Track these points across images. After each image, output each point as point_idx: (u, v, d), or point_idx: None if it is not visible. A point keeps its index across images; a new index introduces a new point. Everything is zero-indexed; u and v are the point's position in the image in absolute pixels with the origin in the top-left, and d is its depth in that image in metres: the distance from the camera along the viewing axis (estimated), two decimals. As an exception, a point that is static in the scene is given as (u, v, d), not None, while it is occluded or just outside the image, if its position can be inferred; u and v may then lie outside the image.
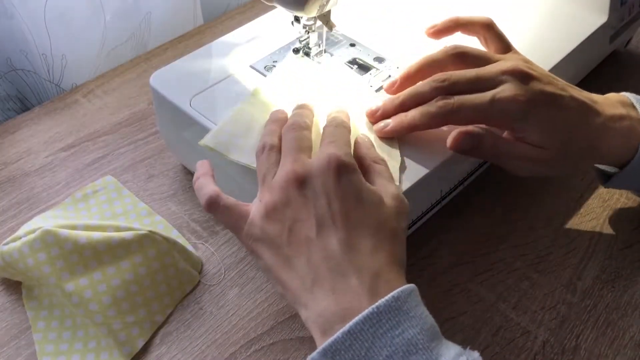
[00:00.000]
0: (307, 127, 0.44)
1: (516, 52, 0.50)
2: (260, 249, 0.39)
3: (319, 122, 0.46)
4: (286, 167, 0.39)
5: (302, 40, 0.53)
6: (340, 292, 0.35)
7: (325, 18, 0.49)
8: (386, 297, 0.34)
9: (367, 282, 0.35)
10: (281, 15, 0.59)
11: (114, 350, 0.45)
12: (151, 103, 0.66)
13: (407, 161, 0.46)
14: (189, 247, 0.51)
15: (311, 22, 0.51)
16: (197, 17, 0.82)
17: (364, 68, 0.54)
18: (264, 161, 0.42)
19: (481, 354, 0.34)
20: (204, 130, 0.48)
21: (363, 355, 0.33)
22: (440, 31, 0.52)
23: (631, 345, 0.46)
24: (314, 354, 0.34)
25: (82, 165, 0.60)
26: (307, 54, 0.53)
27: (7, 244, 0.48)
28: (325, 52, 0.54)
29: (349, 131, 0.44)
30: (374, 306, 0.34)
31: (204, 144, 0.46)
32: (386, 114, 0.47)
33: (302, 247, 0.37)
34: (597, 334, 0.47)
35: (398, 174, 0.45)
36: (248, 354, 0.46)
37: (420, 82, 0.47)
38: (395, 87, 0.49)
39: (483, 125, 0.46)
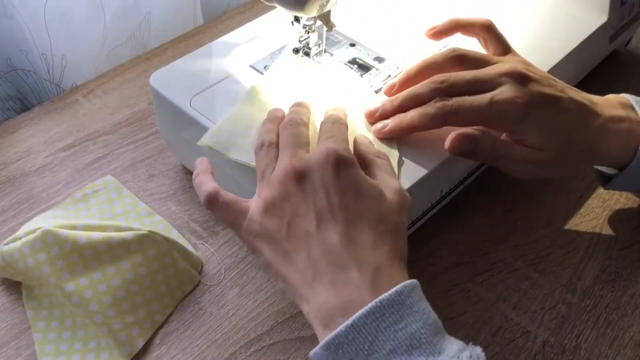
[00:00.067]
0: (304, 124, 0.44)
1: (515, 54, 0.50)
2: (259, 244, 0.39)
3: (317, 122, 0.46)
4: (284, 162, 0.40)
5: (302, 40, 0.53)
6: (340, 285, 0.35)
7: (325, 18, 0.49)
8: (390, 291, 0.34)
9: (368, 275, 0.35)
10: (281, 15, 0.59)
11: (114, 350, 0.45)
12: (151, 103, 0.66)
13: (407, 161, 0.46)
14: (189, 247, 0.51)
15: (311, 22, 0.51)
16: (197, 17, 0.82)
17: (364, 68, 0.54)
18: (263, 157, 0.42)
19: (482, 353, 0.35)
20: (204, 130, 0.48)
21: (366, 348, 0.33)
22: (440, 32, 0.52)
23: (631, 345, 0.46)
24: (317, 348, 0.34)
25: (82, 165, 0.60)
26: (307, 54, 0.53)
27: (7, 244, 0.48)
28: (325, 52, 0.54)
29: (347, 128, 0.44)
30: (377, 300, 0.34)
31: (202, 144, 0.46)
32: (385, 115, 0.47)
33: (302, 241, 0.37)
34: (597, 334, 0.47)
35: (397, 174, 0.45)
36: (248, 354, 0.46)
37: (419, 83, 0.47)
38: (395, 90, 0.49)
39: (482, 128, 0.46)
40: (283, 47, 0.54)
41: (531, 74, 0.45)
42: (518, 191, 0.57)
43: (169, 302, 0.48)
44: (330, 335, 0.34)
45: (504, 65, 0.46)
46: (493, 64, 0.47)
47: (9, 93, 0.71)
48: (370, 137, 0.47)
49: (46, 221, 0.50)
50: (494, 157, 0.46)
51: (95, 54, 0.72)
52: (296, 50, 0.54)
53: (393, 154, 0.46)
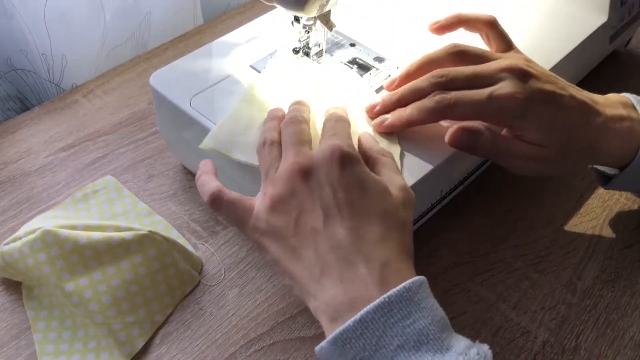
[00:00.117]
0: (306, 121, 0.44)
1: (518, 51, 0.50)
2: (266, 241, 0.39)
3: (318, 122, 0.46)
4: (289, 160, 0.40)
5: (302, 40, 0.53)
6: (349, 281, 0.36)
7: (325, 18, 0.49)
8: (398, 287, 0.34)
9: (376, 271, 0.36)
10: (281, 15, 0.59)
11: (114, 350, 0.45)
12: (151, 103, 0.66)
13: (407, 161, 0.46)
14: (189, 247, 0.51)
15: (311, 22, 0.51)
16: (197, 17, 0.82)
17: (364, 68, 0.54)
18: (266, 156, 0.42)
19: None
20: (204, 130, 0.48)
21: (374, 344, 0.33)
22: (443, 27, 0.52)
23: (631, 345, 0.46)
24: (323, 343, 0.34)
25: (82, 165, 0.60)
26: (307, 54, 0.53)
27: (7, 244, 0.48)
28: (325, 52, 0.54)
29: (349, 125, 0.44)
30: (385, 295, 0.34)
31: (205, 147, 0.46)
32: (385, 109, 0.47)
33: (309, 237, 0.37)
34: (597, 334, 0.47)
35: (400, 169, 0.45)
36: (248, 354, 0.46)
37: (420, 78, 0.47)
38: (395, 85, 0.49)
39: (483, 123, 0.46)
40: (274, 52, 0.54)
41: (532, 71, 0.45)
42: (518, 191, 0.57)
43: (169, 302, 0.48)
44: (338, 330, 0.34)
45: (504, 61, 0.46)
46: (493, 60, 0.47)
47: (9, 93, 0.71)
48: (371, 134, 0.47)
49: (46, 221, 0.50)
50: (494, 152, 0.46)
51: (95, 54, 0.72)
52: (296, 51, 0.54)
53: (395, 150, 0.46)
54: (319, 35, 0.52)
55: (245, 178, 0.47)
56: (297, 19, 0.51)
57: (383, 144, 0.46)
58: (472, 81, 0.45)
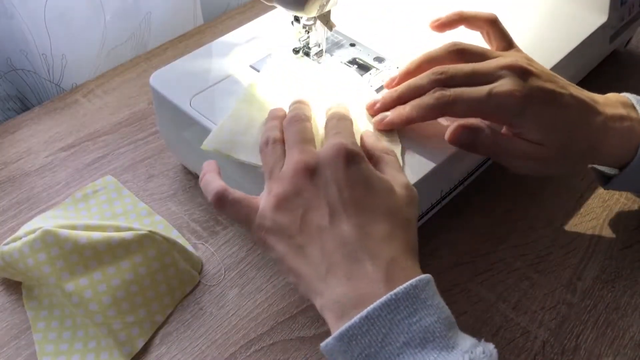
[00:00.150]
0: (308, 119, 0.44)
1: (518, 49, 0.50)
2: (272, 240, 0.39)
3: (318, 122, 0.46)
4: (295, 158, 0.40)
5: (302, 40, 0.53)
6: (355, 278, 0.36)
7: (325, 18, 0.49)
8: (404, 285, 0.34)
9: (382, 268, 0.36)
10: (281, 15, 0.59)
11: (114, 350, 0.45)
12: (151, 103, 0.66)
13: (407, 161, 0.46)
14: (189, 247, 0.51)
15: (311, 22, 0.51)
16: (197, 17, 0.82)
17: (364, 68, 0.54)
18: (270, 154, 0.42)
19: (482, 354, 0.35)
20: (204, 130, 0.48)
21: (380, 341, 0.33)
22: (445, 25, 0.52)
23: (631, 345, 0.46)
24: (329, 339, 0.35)
25: (82, 165, 0.60)
26: (307, 54, 0.53)
27: (7, 244, 0.48)
28: (325, 52, 0.54)
29: (352, 123, 0.44)
30: (392, 293, 0.34)
31: (206, 148, 0.46)
32: (385, 107, 0.48)
33: (315, 235, 0.38)
34: (597, 334, 0.47)
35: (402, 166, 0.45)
36: (248, 354, 0.46)
37: (419, 75, 0.47)
38: (395, 83, 0.49)
39: (484, 121, 0.45)
40: (269, 55, 0.54)
41: (532, 69, 0.45)
42: (518, 191, 0.57)
43: (169, 302, 0.48)
44: (344, 326, 0.34)
45: (504, 59, 0.46)
46: (493, 58, 0.47)
47: (9, 93, 0.71)
48: None
49: (46, 221, 0.50)
50: (493, 150, 0.46)
51: (95, 54, 0.72)
52: (296, 51, 0.54)
53: (396, 148, 0.46)
54: (319, 35, 0.52)
55: (246, 178, 0.47)
56: (297, 19, 0.51)
57: (384, 142, 0.46)
58: (472, 78, 0.45)
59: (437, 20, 0.52)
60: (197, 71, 0.53)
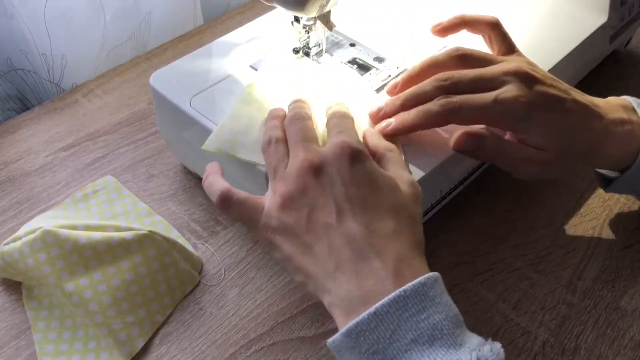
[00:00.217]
0: (309, 118, 0.44)
1: (520, 54, 0.50)
2: (278, 239, 0.39)
3: (318, 122, 0.46)
4: (299, 157, 0.40)
5: (302, 40, 0.53)
6: (363, 276, 0.36)
7: (325, 18, 0.49)
8: (413, 282, 0.34)
9: (390, 265, 0.36)
10: (281, 15, 0.59)
11: (114, 350, 0.45)
12: (151, 103, 0.66)
13: (407, 161, 0.46)
14: (189, 247, 0.51)
15: (311, 22, 0.51)
16: (197, 17, 0.82)
17: (364, 68, 0.54)
18: (273, 154, 0.42)
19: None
20: (204, 130, 0.48)
21: (388, 337, 0.33)
22: (446, 29, 0.52)
23: (631, 345, 0.46)
24: (336, 335, 0.35)
25: (82, 165, 0.60)
26: (307, 54, 0.53)
27: (7, 244, 0.48)
28: (325, 52, 0.54)
29: (353, 121, 0.44)
30: (400, 290, 0.34)
31: (207, 149, 0.46)
32: (388, 114, 0.47)
33: (322, 233, 0.38)
34: (597, 334, 0.47)
35: None
36: (248, 354, 0.46)
37: (423, 82, 0.47)
38: (397, 89, 0.49)
39: (486, 127, 0.45)
40: (266, 56, 0.54)
41: (536, 74, 0.45)
42: (518, 191, 0.57)
43: (169, 302, 0.48)
44: (352, 322, 0.34)
45: (508, 64, 0.46)
46: (496, 63, 0.46)
47: (9, 93, 0.71)
48: None
49: (46, 221, 0.50)
50: (498, 156, 0.46)
51: (95, 54, 0.72)
52: (296, 51, 0.54)
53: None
54: (319, 35, 0.52)
55: (246, 178, 0.47)
56: (297, 19, 0.51)
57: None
58: (476, 84, 0.45)
59: (439, 24, 0.52)
60: (197, 71, 0.53)
